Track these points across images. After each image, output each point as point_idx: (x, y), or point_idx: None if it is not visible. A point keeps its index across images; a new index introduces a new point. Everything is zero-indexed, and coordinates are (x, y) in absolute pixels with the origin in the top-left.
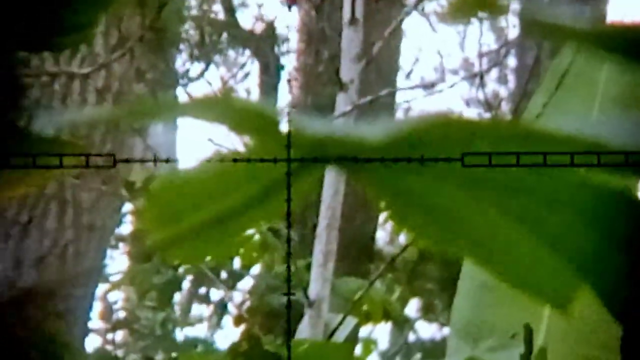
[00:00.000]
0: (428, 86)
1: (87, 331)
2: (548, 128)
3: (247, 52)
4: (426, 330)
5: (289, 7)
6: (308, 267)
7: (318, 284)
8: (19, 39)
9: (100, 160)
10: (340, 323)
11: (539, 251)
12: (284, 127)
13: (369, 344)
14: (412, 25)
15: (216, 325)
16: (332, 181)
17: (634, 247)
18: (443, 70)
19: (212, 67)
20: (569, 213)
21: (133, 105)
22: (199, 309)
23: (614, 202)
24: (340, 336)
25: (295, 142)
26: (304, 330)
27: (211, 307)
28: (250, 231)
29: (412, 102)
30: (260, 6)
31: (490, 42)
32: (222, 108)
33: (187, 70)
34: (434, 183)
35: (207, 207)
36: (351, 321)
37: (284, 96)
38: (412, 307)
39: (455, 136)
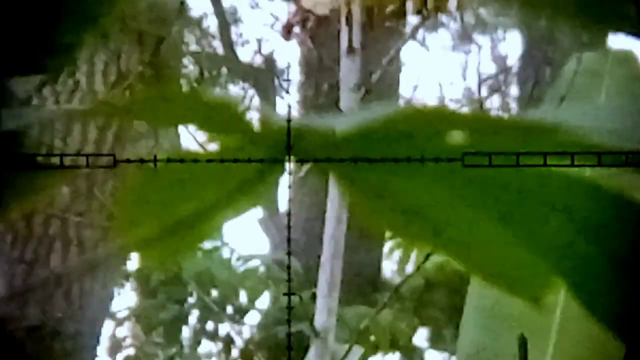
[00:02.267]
0: None
1: None
2: (529, 119)
3: (247, 85)
4: (436, 359)
5: (286, 39)
6: (313, 297)
7: (324, 314)
8: (7, 63)
9: (101, 160)
10: (347, 353)
11: (512, 245)
12: (253, 122)
13: None
14: (412, 55)
15: None
16: (335, 212)
17: (607, 239)
18: (443, 99)
19: None
20: (541, 205)
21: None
22: (207, 345)
23: (586, 194)
24: None
25: (265, 136)
26: None
27: (219, 342)
28: (254, 263)
29: None
30: (259, 40)
31: (492, 71)
32: (190, 103)
33: None
34: (407, 180)
35: (179, 206)
36: (358, 351)
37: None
38: (421, 337)
39: (430, 127)
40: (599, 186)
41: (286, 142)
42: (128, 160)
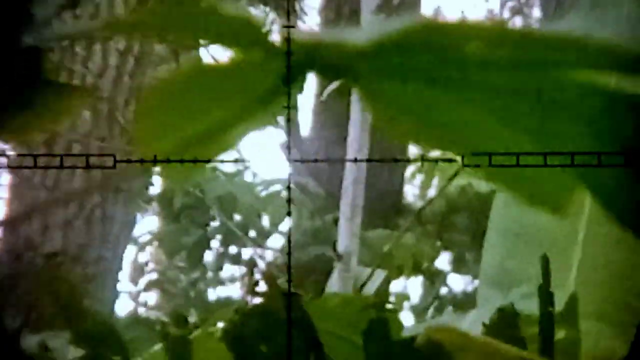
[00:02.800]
0: None
1: (117, 294)
2: (545, 31)
3: (267, 9)
4: (458, 283)
5: None
6: (336, 222)
7: (346, 238)
8: None
9: (101, 160)
10: (370, 276)
11: (532, 155)
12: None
13: (402, 298)
14: None
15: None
16: (357, 134)
17: (632, 149)
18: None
19: None
20: (565, 115)
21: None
22: (230, 269)
23: (610, 103)
24: (370, 289)
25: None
26: (334, 285)
27: (242, 266)
28: (277, 187)
29: None
30: None
31: None
32: (208, 18)
33: None
34: (425, 87)
35: (199, 118)
36: (381, 274)
37: None
38: (444, 260)
39: (446, 39)
40: (617, 92)
41: (305, 56)
42: (128, 161)
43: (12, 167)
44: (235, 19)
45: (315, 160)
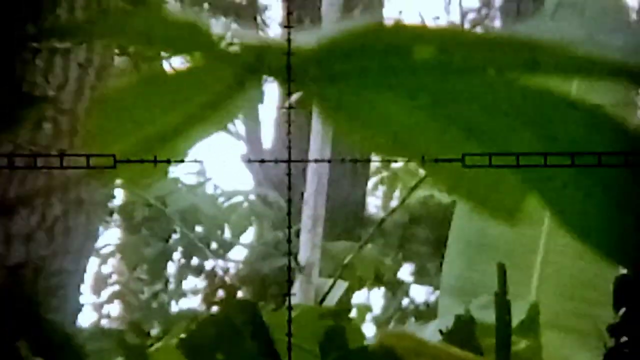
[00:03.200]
0: None
1: (79, 306)
2: (498, 33)
3: (228, 21)
4: (420, 294)
5: None
6: (297, 233)
7: (307, 249)
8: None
9: (100, 160)
10: (331, 287)
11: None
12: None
13: (363, 309)
14: None
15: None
16: (318, 146)
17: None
18: None
19: None
20: (513, 119)
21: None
22: (192, 281)
23: (558, 107)
24: (332, 300)
25: (235, 52)
26: (296, 296)
27: (204, 278)
28: (238, 199)
29: None
30: None
31: (475, 5)
32: (153, 21)
33: None
34: (375, 93)
35: (150, 124)
36: (342, 285)
37: None
38: (405, 272)
39: (396, 42)
40: (574, 102)
41: (256, 60)
42: (128, 161)
43: (12, 168)
44: (181, 23)
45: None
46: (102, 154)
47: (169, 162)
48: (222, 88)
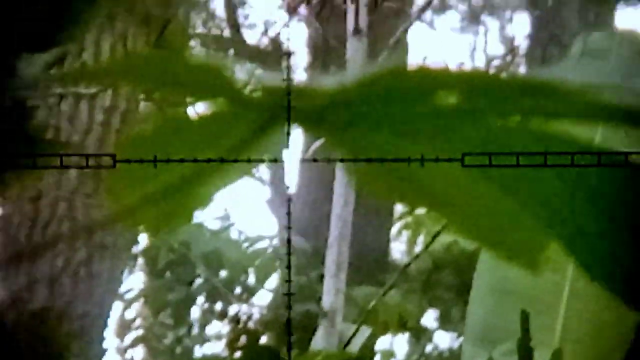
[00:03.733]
0: None
1: (103, 350)
2: (522, 77)
3: (252, 67)
4: (444, 340)
5: (289, 16)
6: (321, 278)
7: (331, 294)
8: (21, 39)
9: (100, 160)
10: (355, 332)
11: (506, 207)
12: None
13: (387, 355)
14: (419, 36)
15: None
16: (342, 191)
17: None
18: None
19: None
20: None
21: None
22: (216, 325)
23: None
24: (356, 346)
25: (258, 97)
26: (319, 341)
27: (228, 322)
28: (263, 244)
29: None
30: (266, 22)
31: (499, 52)
32: (178, 66)
33: None
34: (393, 138)
35: (169, 170)
36: (366, 331)
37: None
38: (430, 317)
39: (419, 86)
40: (593, 147)
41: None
42: (128, 161)
43: (11, 167)
44: (205, 68)
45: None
46: (101, 153)
47: (168, 161)
48: (246, 133)
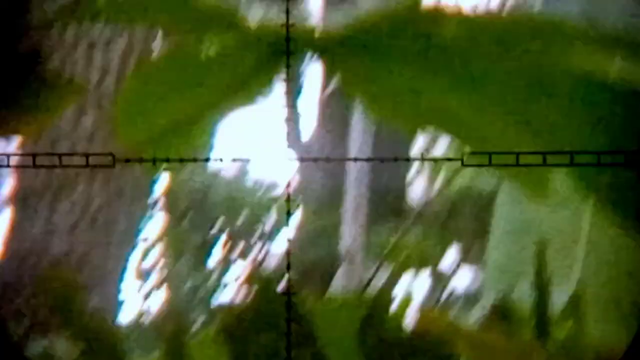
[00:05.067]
0: None
1: (121, 296)
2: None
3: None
4: (463, 280)
5: None
6: (339, 220)
7: (350, 235)
8: None
9: (100, 159)
10: (375, 273)
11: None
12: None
13: (405, 301)
14: None
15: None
16: (359, 134)
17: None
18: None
19: None
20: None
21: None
22: (234, 271)
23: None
24: (375, 287)
25: (264, 33)
26: (339, 282)
27: (247, 266)
28: (277, 193)
29: None
30: None
31: None
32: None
33: None
34: (398, 65)
35: (177, 102)
36: (385, 272)
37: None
38: (449, 260)
39: (427, 23)
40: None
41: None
42: (127, 160)
43: (11, 167)
44: (208, 3)
45: (316, 160)
46: (101, 153)
47: (167, 160)
48: (249, 66)
